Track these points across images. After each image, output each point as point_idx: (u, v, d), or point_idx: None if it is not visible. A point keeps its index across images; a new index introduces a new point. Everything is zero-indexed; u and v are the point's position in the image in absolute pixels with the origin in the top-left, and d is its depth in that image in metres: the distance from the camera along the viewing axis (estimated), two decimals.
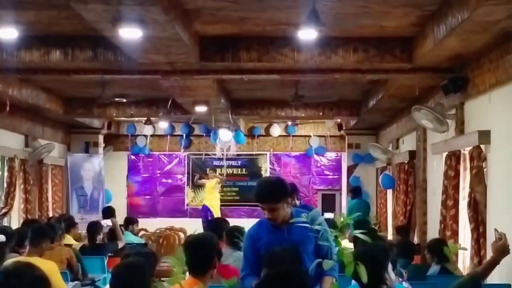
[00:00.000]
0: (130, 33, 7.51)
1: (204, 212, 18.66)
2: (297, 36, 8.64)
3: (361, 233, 4.62)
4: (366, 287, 4.47)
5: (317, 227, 4.92)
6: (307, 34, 8.25)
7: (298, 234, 5.31)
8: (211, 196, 18.90)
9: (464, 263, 9.88)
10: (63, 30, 9.29)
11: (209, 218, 17.40)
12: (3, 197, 13.95)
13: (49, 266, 7.29)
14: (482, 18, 7.07)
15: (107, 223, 11.74)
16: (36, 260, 7.36)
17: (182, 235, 16.52)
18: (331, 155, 20.57)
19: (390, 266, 4.53)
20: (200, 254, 4.99)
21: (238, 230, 8.33)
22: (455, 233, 9.91)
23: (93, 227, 10.99)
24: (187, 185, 20.92)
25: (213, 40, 9.64)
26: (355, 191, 16.86)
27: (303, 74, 11.03)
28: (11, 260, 7.81)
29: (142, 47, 8.56)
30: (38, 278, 3.22)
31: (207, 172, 19.86)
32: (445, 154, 10.64)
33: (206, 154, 20.70)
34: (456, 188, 10.05)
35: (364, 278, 4.17)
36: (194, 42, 9.17)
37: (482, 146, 8.95)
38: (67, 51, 9.77)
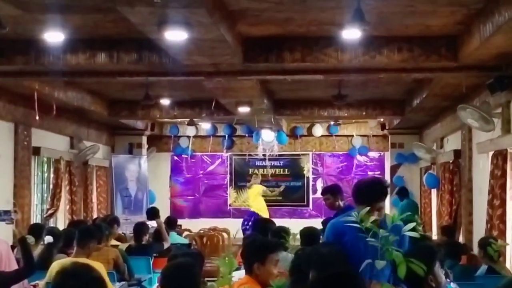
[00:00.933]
0: (175, 36, 7.57)
1: (248, 216, 18.60)
2: (341, 36, 8.63)
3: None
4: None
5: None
6: (351, 34, 8.23)
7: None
8: (256, 201, 18.84)
9: (511, 263, 9.77)
10: (109, 33, 9.38)
11: (250, 219, 17.37)
12: (49, 199, 14.13)
13: (96, 267, 7.38)
14: None
15: (152, 224, 11.81)
16: (84, 261, 7.45)
17: (225, 235, 16.57)
18: (374, 154, 20.45)
19: (438, 266, 4.48)
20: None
21: (284, 230, 8.33)
22: (502, 233, 9.80)
23: (140, 228, 11.07)
24: (230, 186, 20.97)
25: (257, 41, 9.66)
26: (402, 191, 16.76)
27: (347, 74, 10.99)
28: (63, 260, 7.94)
29: (187, 49, 8.60)
30: (95, 279, 3.26)
31: (252, 178, 19.77)
32: (491, 153, 10.54)
33: (248, 155, 20.72)
34: (503, 187, 9.94)
35: (421, 271, 4.14)
36: (238, 43, 9.20)
37: None
38: (112, 54, 9.86)
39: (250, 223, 16.61)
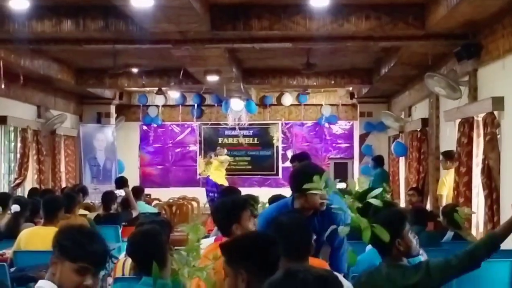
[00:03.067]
0: (141, 2, 7.52)
1: (209, 186, 18.65)
2: (309, 4, 8.62)
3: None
4: (383, 252, 4.47)
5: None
6: (319, 1, 8.25)
7: (327, 225, 5.17)
8: (217, 173, 18.84)
9: (477, 229, 9.88)
10: (74, 0, 9.27)
11: (216, 191, 17.38)
12: (16, 168, 14.01)
13: None
14: None
15: (120, 193, 11.77)
16: (52, 230, 7.42)
17: (195, 204, 16.56)
18: (343, 123, 20.51)
19: (407, 230, 4.50)
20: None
21: (253, 198, 8.33)
22: (469, 200, 9.89)
23: (108, 197, 11.01)
24: (199, 155, 20.94)
25: (224, 9, 9.63)
26: (378, 160, 16.83)
27: (315, 42, 10.98)
28: (31, 229, 7.91)
29: (154, 16, 8.53)
30: None
31: (216, 150, 19.75)
32: (458, 121, 10.61)
33: (218, 124, 20.68)
34: (469, 155, 10.02)
35: (386, 237, 4.17)
36: (205, 11, 9.15)
37: (496, 113, 8.91)
38: (79, 21, 9.77)
39: (216, 194, 16.66)
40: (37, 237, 7.55)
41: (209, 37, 10.21)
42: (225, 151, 19.52)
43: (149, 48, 11.58)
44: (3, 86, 11.96)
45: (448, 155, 11.21)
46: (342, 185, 5.91)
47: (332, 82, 16.12)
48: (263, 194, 9.55)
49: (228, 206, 5.16)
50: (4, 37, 10.33)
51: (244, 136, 20.84)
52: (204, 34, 9.99)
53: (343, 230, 4.53)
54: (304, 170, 5.42)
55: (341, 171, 19.74)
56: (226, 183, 18.03)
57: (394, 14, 9.57)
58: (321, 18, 9.61)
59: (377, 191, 4.68)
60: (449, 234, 8.38)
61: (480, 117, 9.64)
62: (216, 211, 5.28)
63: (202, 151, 20.87)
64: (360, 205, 4.56)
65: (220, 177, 18.58)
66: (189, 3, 7.86)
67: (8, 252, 7.86)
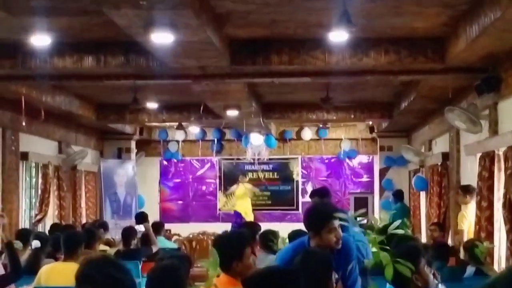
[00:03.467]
0: (161, 38, 7.55)
1: (234, 218, 18.65)
2: (328, 38, 8.63)
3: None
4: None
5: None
6: (338, 36, 8.24)
7: (344, 262, 5.18)
8: (242, 201, 18.85)
9: (499, 264, 9.78)
10: (95, 36, 9.36)
11: (240, 221, 17.36)
12: (37, 204, 14.06)
13: None
14: None
15: (140, 228, 11.78)
16: (73, 266, 7.42)
17: None
18: (363, 158, 20.47)
19: (424, 264, 4.46)
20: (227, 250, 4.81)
21: (272, 233, 8.33)
22: (490, 235, 9.81)
23: (128, 232, 11.02)
24: (219, 190, 20.94)
25: (244, 44, 9.66)
26: (398, 194, 16.75)
27: (334, 76, 11.01)
28: (52, 264, 7.92)
29: (174, 51, 8.59)
30: None
31: (239, 178, 19.87)
32: (479, 155, 10.56)
33: (237, 159, 20.69)
34: (491, 189, 9.96)
35: (407, 272, 4.14)
36: (225, 46, 9.19)
37: None
38: (99, 57, 9.84)
39: (236, 225, 16.63)
40: (57, 273, 7.54)
41: (229, 72, 10.25)
42: (247, 178, 19.55)
43: (169, 83, 11.66)
44: (24, 123, 12.07)
45: (466, 189, 11.15)
46: (363, 221, 5.90)
47: (352, 116, 16.10)
48: (283, 229, 9.57)
49: (233, 243, 5.00)
50: (26, 73, 10.44)
51: (264, 170, 20.83)
52: (224, 69, 10.04)
53: (368, 262, 4.51)
54: (318, 209, 5.45)
55: (362, 206, 19.56)
56: (251, 215, 17.96)
57: (413, 48, 9.57)
58: (340, 53, 9.63)
59: (397, 222, 4.67)
60: (471, 269, 8.31)
61: (501, 151, 9.59)
62: (220, 246, 4.99)
63: (222, 186, 20.87)
64: (382, 238, 4.55)
65: (246, 208, 18.46)
66: (208, 38, 7.91)
67: None
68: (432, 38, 9.46)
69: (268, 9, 8.04)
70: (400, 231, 4.54)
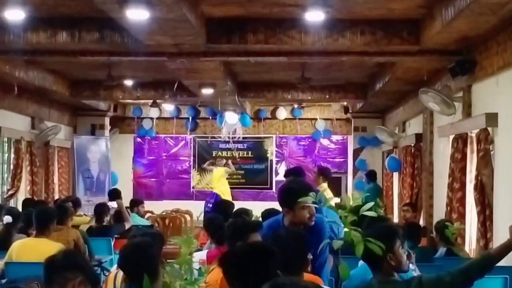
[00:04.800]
0: (137, 14, 7.50)
1: (210, 198, 18.57)
2: (304, 18, 8.64)
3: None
4: (375, 267, 4.47)
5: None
6: (314, 16, 8.26)
7: (317, 241, 5.23)
8: (219, 183, 18.81)
9: (470, 245, 9.89)
10: (70, 11, 9.29)
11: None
12: (9, 179, 13.98)
13: (57, 247, 7.33)
14: (490, 0, 7.04)
15: (113, 205, 11.76)
16: (44, 242, 7.42)
17: (188, 217, 16.52)
18: (337, 138, 20.54)
19: (399, 245, 4.50)
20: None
21: (246, 212, 8.36)
22: (462, 216, 9.90)
23: (101, 209, 11.01)
24: (193, 168, 20.93)
25: (220, 22, 9.62)
26: (372, 175, 16.84)
27: (310, 56, 10.98)
28: (24, 240, 7.89)
29: (149, 28, 8.52)
30: None
31: (216, 159, 19.84)
32: (452, 137, 10.63)
33: (212, 137, 20.67)
34: (463, 170, 10.03)
35: (378, 250, 4.17)
36: (201, 24, 9.15)
37: (489, 129, 8.92)
38: (74, 33, 9.75)
39: (211, 204, 16.58)
40: (29, 248, 7.54)
41: (204, 50, 10.20)
42: (224, 161, 19.49)
43: (144, 61, 11.58)
44: None
45: (323, 172, 12.09)
46: (336, 200, 5.93)
47: (327, 96, 16.12)
48: (257, 207, 9.60)
49: (238, 226, 5.40)
50: None
51: (238, 149, 20.84)
52: (199, 47, 9.99)
53: (336, 243, 4.54)
54: (292, 186, 5.51)
55: (335, 186, 19.70)
56: (229, 195, 17.92)
57: (389, 29, 9.58)
58: (316, 33, 9.61)
59: (370, 204, 4.69)
60: (442, 250, 8.40)
61: (474, 133, 9.66)
62: (228, 228, 5.56)
63: (196, 164, 20.86)
64: (354, 218, 4.57)
65: (224, 190, 18.40)
66: (184, 15, 7.86)
67: (0, 263, 7.84)
68: (408, 20, 9.47)
69: None
70: (372, 213, 4.57)
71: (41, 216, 7.85)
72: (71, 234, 8.94)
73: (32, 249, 7.47)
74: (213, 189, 18.61)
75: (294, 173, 9.01)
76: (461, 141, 10.08)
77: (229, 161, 19.74)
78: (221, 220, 7.40)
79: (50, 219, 7.85)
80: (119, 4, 7.12)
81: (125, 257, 4.40)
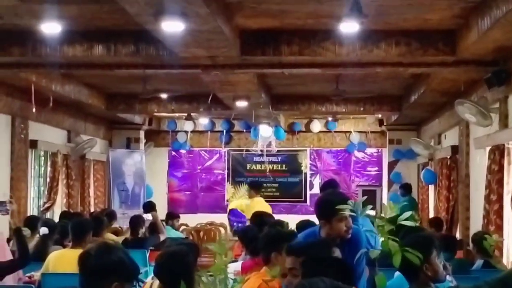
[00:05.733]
0: (172, 27, 7.53)
1: (233, 216, 18.24)
2: (339, 29, 8.59)
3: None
4: (411, 278, 4.43)
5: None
6: (349, 27, 8.20)
7: (354, 252, 5.21)
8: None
9: (508, 258, 9.77)
10: (105, 24, 9.35)
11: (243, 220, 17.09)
12: (46, 192, 14.10)
13: None
14: None
15: (147, 217, 11.80)
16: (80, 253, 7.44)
17: (222, 230, 16.55)
18: (372, 151, 20.43)
19: (435, 255, 4.46)
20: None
21: (281, 224, 8.33)
22: (499, 228, 9.78)
23: (136, 221, 11.05)
24: (227, 181, 20.95)
25: (254, 34, 9.63)
26: (407, 188, 16.72)
27: (344, 68, 10.93)
28: (60, 251, 7.95)
29: (184, 40, 8.56)
30: None
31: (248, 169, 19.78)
32: (488, 148, 10.54)
33: (246, 150, 20.67)
34: (500, 182, 9.93)
35: (416, 260, 4.13)
36: (235, 36, 9.17)
37: None
38: (109, 46, 9.82)
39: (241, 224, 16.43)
40: (65, 259, 7.57)
41: (239, 62, 10.22)
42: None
43: (179, 73, 11.65)
44: (34, 110, 12.08)
45: (254, 185, 12.96)
46: (372, 212, 5.88)
47: (361, 109, 16.05)
48: (291, 220, 9.55)
49: (272, 236, 5.54)
50: (36, 61, 10.43)
51: (272, 162, 20.82)
52: (234, 59, 10.01)
53: (373, 253, 4.49)
54: (329, 198, 5.48)
55: (370, 199, 19.50)
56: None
57: (424, 40, 9.52)
58: (351, 44, 9.59)
59: (408, 214, 4.65)
60: (479, 262, 8.30)
61: (511, 145, 9.56)
62: (262, 237, 5.78)
63: (230, 177, 20.88)
64: (392, 227, 4.53)
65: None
66: (218, 27, 7.89)
67: (36, 275, 7.91)
68: (444, 30, 9.40)
69: None
70: (410, 223, 4.52)
71: (77, 228, 7.91)
72: None
73: (68, 259, 7.49)
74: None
75: (329, 185, 8.97)
76: (498, 152, 9.98)
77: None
78: (256, 231, 7.39)
79: (86, 230, 7.92)
80: (155, 16, 7.16)
81: (161, 266, 4.41)
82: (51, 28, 8.85)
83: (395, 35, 9.52)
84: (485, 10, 7.82)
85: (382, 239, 4.59)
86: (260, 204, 12.07)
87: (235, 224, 17.17)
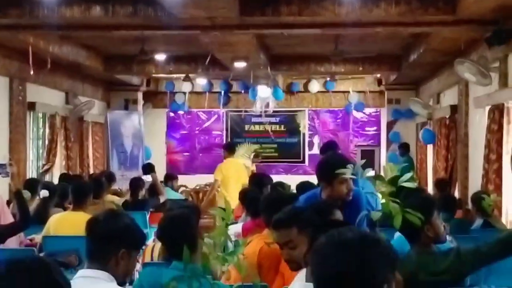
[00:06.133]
0: None
1: None
2: None
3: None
4: (412, 239, 4.44)
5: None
6: None
7: (354, 214, 5.23)
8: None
9: (507, 217, 9.81)
10: None
11: None
12: (45, 154, 14.09)
13: None
14: None
15: (147, 179, 11.82)
16: (81, 215, 7.47)
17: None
18: (370, 110, 20.38)
19: (436, 216, 4.48)
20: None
21: (281, 185, 8.36)
22: (498, 187, 9.82)
23: (136, 183, 11.06)
24: (226, 142, 20.94)
25: None
26: (405, 147, 16.73)
27: (344, 28, 10.87)
28: (62, 213, 7.97)
29: (183, 1, 8.51)
30: None
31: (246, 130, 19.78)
32: (488, 107, 10.53)
33: (245, 111, 20.62)
34: (499, 141, 9.95)
35: (417, 222, 4.14)
36: None
37: None
38: (107, 7, 9.77)
39: None
40: (66, 222, 7.61)
41: (238, 23, 10.15)
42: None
43: (177, 34, 11.57)
44: (32, 72, 12.02)
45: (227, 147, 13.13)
46: (371, 173, 5.88)
47: (360, 68, 15.99)
48: (290, 181, 9.58)
49: (273, 199, 5.63)
50: (33, 22, 10.35)
51: (271, 123, 20.80)
52: (233, 20, 9.94)
53: (374, 214, 4.50)
54: (330, 161, 5.48)
55: (369, 158, 19.59)
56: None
57: None
58: (350, 4, 9.53)
59: (408, 175, 4.66)
60: (478, 221, 8.34)
61: (510, 104, 9.55)
62: (264, 200, 5.77)
63: (229, 138, 20.87)
64: (392, 189, 4.53)
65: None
66: None
67: (37, 237, 7.94)
68: None
69: None
70: (411, 184, 4.52)
71: (77, 190, 7.94)
72: (107, 207, 9.00)
73: (69, 222, 7.54)
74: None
75: (329, 147, 8.96)
76: (497, 111, 9.98)
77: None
78: (256, 192, 7.42)
79: (86, 193, 7.95)
80: None
81: (164, 229, 4.42)
82: None
83: None
84: None
85: (383, 200, 4.60)
86: (228, 165, 12.37)
87: None
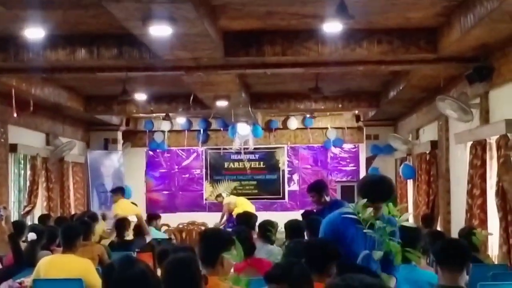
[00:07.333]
0: (160, 31, 7.57)
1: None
2: (322, 29, 8.67)
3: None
4: None
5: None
6: (333, 27, 8.30)
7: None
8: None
9: (492, 251, 9.89)
10: (89, 29, 9.37)
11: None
12: (26, 196, 14.02)
13: (85, 263, 7.39)
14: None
15: (132, 218, 11.82)
16: (72, 258, 7.45)
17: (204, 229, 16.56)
18: (349, 146, 20.53)
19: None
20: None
21: (270, 224, 8.40)
22: (483, 222, 9.90)
23: (121, 223, 11.06)
24: (206, 180, 20.95)
25: (238, 35, 9.70)
26: None
27: (326, 67, 11.01)
28: (53, 256, 7.93)
29: (170, 43, 8.60)
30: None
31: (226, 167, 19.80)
32: (469, 143, 10.65)
33: (224, 149, 20.69)
34: (483, 177, 10.05)
35: (420, 262, 4.24)
36: (220, 38, 9.22)
37: (510, 135, 8.95)
38: (92, 50, 9.84)
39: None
40: (57, 265, 7.56)
41: (222, 63, 10.26)
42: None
43: (160, 75, 11.63)
44: (15, 114, 12.01)
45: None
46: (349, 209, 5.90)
47: (340, 105, 16.14)
48: (270, 217, 9.60)
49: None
50: (18, 66, 10.40)
51: (250, 160, 20.85)
52: (217, 61, 10.05)
53: (376, 254, 4.59)
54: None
55: (348, 194, 19.67)
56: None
57: (406, 38, 9.64)
58: (334, 43, 9.68)
59: (407, 215, 4.76)
60: None
61: (493, 140, 9.69)
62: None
63: (208, 176, 20.88)
64: (392, 229, 4.63)
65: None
66: (205, 30, 7.93)
67: (27, 281, 7.87)
68: (425, 28, 9.53)
69: (264, 1, 8.07)
70: (410, 224, 4.64)
71: (67, 233, 7.88)
72: (96, 249, 9.00)
73: (60, 265, 7.49)
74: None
75: (316, 187, 8.97)
76: (479, 147, 10.11)
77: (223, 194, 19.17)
78: (247, 232, 7.44)
79: (76, 235, 7.88)
80: (143, 21, 7.17)
81: (170, 272, 4.40)
82: (35, 33, 8.81)
83: (377, 33, 9.64)
84: (468, 8, 7.93)
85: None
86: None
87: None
